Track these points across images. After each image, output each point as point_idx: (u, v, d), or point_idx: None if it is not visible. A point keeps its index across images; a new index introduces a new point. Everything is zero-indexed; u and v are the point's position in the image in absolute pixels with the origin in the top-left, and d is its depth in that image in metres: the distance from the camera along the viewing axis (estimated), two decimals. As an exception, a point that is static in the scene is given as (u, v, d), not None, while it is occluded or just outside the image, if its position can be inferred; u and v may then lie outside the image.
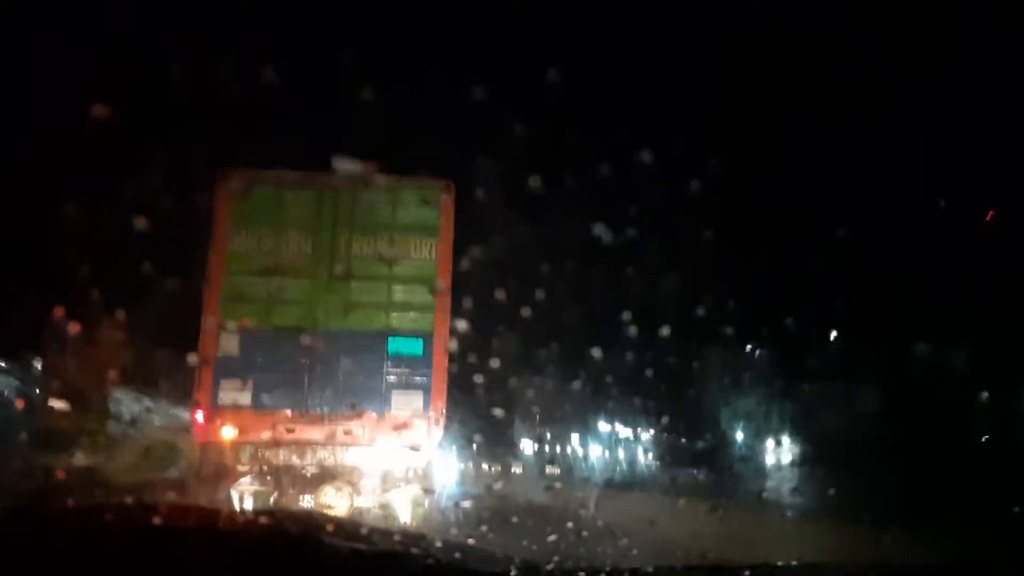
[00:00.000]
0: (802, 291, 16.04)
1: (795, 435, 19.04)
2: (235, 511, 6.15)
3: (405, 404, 8.29)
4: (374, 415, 8.22)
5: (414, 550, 2.77)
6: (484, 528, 7.69)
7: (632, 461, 25.19)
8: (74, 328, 11.20)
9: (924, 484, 9.73)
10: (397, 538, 2.99)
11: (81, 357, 12.36)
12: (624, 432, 25.55)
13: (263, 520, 2.91)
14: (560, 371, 17.67)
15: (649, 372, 13.80)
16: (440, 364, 8.38)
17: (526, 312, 9.00)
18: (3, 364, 13.40)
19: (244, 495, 8.11)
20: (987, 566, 2.98)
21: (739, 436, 20.22)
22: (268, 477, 8.22)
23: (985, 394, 11.73)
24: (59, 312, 11.49)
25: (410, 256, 8.52)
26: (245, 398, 8.14)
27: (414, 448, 8.20)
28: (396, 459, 8.26)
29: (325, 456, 8.28)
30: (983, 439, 12.04)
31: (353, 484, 8.25)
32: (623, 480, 22.06)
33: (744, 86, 18.15)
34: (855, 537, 7.37)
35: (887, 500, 8.77)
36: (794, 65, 16.14)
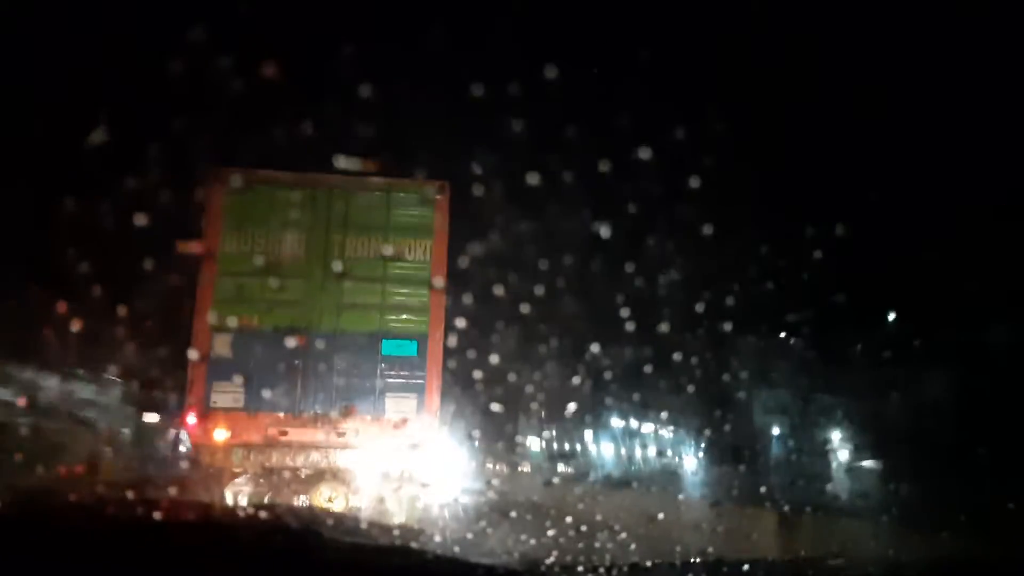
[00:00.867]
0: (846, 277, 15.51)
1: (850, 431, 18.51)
2: (235, 507, 6.11)
3: (399, 406, 8.24)
4: (368, 417, 8.17)
5: (413, 544, 2.76)
6: (483, 524, 7.62)
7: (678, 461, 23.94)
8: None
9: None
10: (396, 533, 2.98)
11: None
12: (661, 430, 24.69)
13: (263, 515, 2.89)
14: (565, 366, 17.52)
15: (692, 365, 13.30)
16: (435, 365, 8.35)
17: (525, 309, 8.96)
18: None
19: (238, 497, 8.06)
20: None
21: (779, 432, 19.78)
22: (261, 480, 8.17)
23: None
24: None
25: (405, 257, 8.49)
26: (238, 400, 8.07)
27: (409, 449, 8.16)
28: (390, 461, 8.22)
29: (319, 458, 8.23)
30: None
31: (347, 486, 8.20)
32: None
33: (743, 83, 18.11)
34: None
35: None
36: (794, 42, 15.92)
